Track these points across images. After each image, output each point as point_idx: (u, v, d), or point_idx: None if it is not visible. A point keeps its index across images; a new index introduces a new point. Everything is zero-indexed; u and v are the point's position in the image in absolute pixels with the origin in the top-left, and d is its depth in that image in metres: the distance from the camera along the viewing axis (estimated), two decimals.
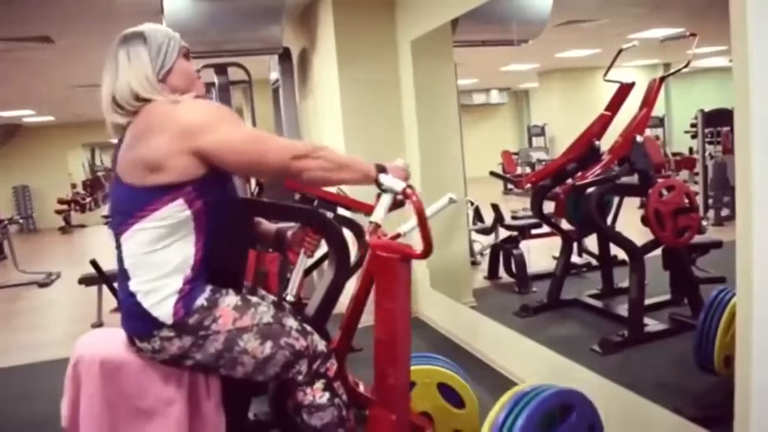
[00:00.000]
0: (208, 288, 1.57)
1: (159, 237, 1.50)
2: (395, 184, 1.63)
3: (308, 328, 1.69)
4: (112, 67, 1.56)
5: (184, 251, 1.53)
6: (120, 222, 1.54)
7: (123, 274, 1.55)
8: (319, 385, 1.65)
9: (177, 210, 1.50)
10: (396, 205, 2.34)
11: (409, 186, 1.61)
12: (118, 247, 1.56)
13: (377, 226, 1.71)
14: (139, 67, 1.54)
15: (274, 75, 5.12)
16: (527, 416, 1.22)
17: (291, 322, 1.64)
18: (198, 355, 1.54)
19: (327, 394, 1.65)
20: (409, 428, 1.75)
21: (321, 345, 1.69)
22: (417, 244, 1.59)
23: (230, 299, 1.58)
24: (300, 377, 1.63)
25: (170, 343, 1.52)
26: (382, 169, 1.67)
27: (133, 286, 1.52)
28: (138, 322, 1.53)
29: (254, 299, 1.64)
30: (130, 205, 1.52)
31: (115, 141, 1.63)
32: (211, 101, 1.59)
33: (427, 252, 1.57)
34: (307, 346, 1.64)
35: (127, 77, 1.53)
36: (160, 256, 1.51)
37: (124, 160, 1.52)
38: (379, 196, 2.14)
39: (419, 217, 1.55)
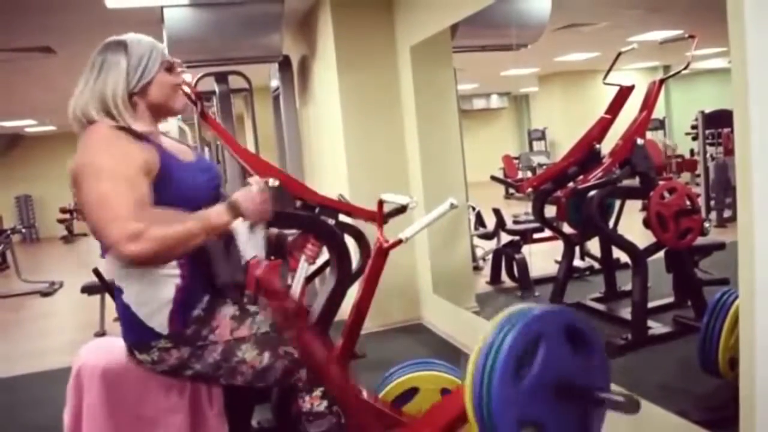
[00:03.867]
0: (206, 298, 1.56)
1: None
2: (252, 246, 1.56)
3: None
4: (88, 75, 1.52)
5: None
6: None
7: (117, 288, 1.55)
8: (317, 393, 1.64)
9: None
10: (398, 211, 2.36)
11: (255, 256, 1.54)
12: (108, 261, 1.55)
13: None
14: (116, 79, 1.49)
15: (275, 83, 5.13)
16: (514, 336, 1.17)
17: None
18: (197, 366, 1.53)
19: (325, 402, 1.64)
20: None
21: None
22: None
23: (228, 309, 1.58)
24: (301, 384, 1.63)
25: (168, 354, 1.51)
26: (235, 208, 1.49)
27: (126, 298, 1.52)
28: (136, 334, 1.53)
29: (252, 308, 1.63)
30: None
31: None
32: (102, 137, 1.43)
33: None
34: None
35: (99, 87, 1.49)
36: (147, 268, 1.48)
37: None
38: (380, 204, 2.15)
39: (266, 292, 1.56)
